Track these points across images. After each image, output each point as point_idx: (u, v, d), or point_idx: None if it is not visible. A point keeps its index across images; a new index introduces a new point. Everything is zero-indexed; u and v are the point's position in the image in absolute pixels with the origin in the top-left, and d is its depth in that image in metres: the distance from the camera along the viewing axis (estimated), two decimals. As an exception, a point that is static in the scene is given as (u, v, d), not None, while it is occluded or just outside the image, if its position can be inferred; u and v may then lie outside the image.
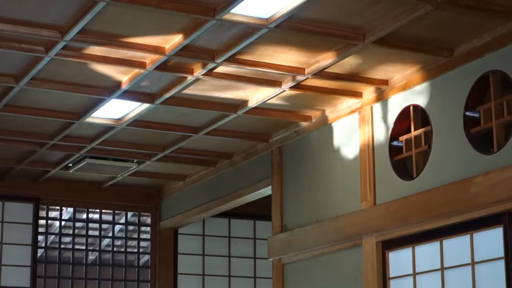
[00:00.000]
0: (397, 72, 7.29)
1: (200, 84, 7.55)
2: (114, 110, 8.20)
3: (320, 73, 7.18)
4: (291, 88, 7.52)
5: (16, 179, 10.68)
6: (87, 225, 11.42)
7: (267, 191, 9.32)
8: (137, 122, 8.49)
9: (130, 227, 11.73)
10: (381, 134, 7.60)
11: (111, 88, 7.60)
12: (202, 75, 7.19)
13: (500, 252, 6.34)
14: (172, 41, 6.57)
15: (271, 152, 9.14)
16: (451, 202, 6.68)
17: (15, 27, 6.25)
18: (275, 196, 9.00)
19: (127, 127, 8.57)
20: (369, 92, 7.70)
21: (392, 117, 7.48)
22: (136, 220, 11.69)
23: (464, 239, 6.67)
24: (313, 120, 8.41)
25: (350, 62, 7.05)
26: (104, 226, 11.59)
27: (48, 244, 11.20)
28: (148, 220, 11.66)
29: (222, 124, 8.54)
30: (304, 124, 8.53)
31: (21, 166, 10.10)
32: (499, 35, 6.39)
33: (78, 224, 11.50)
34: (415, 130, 7.28)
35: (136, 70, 7.15)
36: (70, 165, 10.04)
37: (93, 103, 7.96)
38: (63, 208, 11.32)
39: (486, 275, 6.47)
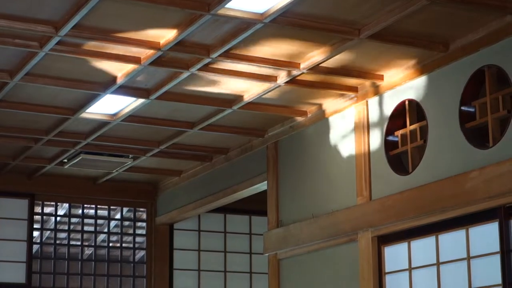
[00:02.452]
0: (392, 67, 7.28)
1: (195, 79, 7.54)
2: (109, 106, 8.18)
3: (316, 68, 7.18)
4: (287, 83, 7.51)
5: (11, 174, 10.67)
6: (82, 220, 11.41)
7: (262, 186, 9.32)
8: (132, 117, 8.48)
9: (126, 223, 11.74)
10: (376, 129, 7.59)
11: (106, 84, 7.59)
12: (197, 70, 7.18)
13: (496, 247, 6.34)
14: (167, 36, 6.56)
15: (266, 147, 9.13)
16: (446, 197, 6.68)
17: (10, 23, 6.24)
18: (271, 192, 9.00)
19: (122, 122, 8.56)
20: (364, 86, 7.69)
21: (388, 112, 7.48)
22: (132, 216, 11.68)
23: (460, 234, 6.67)
24: (309, 115, 8.41)
25: (345, 57, 7.04)
26: (99, 221, 11.59)
27: (43, 240, 11.20)
28: (144, 216, 11.66)
29: (217, 120, 8.53)
30: (299, 119, 8.52)
31: (16, 162, 10.09)
32: (494, 29, 6.39)
33: (73, 220, 11.50)
34: (410, 125, 7.28)
35: (131, 66, 7.14)
36: (65, 160, 10.02)
37: (88, 98, 7.95)
38: (58, 203, 11.31)
39: (482, 269, 6.47)
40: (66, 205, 11.45)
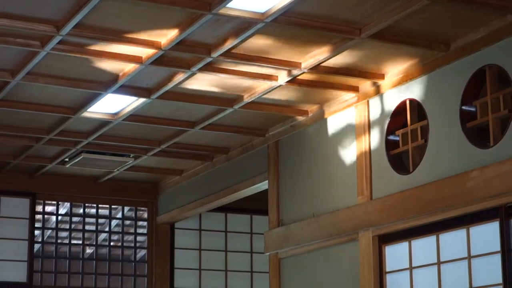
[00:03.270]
0: (393, 66, 7.29)
1: (196, 79, 7.54)
2: (110, 105, 8.19)
3: (317, 68, 7.18)
4: (288, 82, 7.52)
5: (12, 174, 10.68)
6: (83, 219, 11.41)
7: (263, 185, 9.33)
8: (134, 116, 8.48)
9: (127, 222, 11.73)
10: (377, 128, 7.60)
11: (107, 83, 7.60)
12: (198, 69, 7.18)
13: (497, 246, 6.34)
14: (168, 36, 6.56)
15: (267, 146, 9.13)
16: (447, 196, 6.68)
17: (11, 22, 6.25)
18: (272, 191, 9.00)
19: (124, 121, 8.57)
20: (365, 86, 7.69)
21: (389, 111, 7.48)
22: (133, 215, 11.69)
23: (461, 233, 6.67)
24: (310, 114, 8.41)
25: (346, 56, 7.05)
26: (100, 220, 11.59)
27: (44, 239, 11.20)
28: (145, 215, 11.66)
29: (218, 119, 8.54)
30: (300, 118, 8.53)
31: (17, 161, 10.10)
32: (495, 29, 6.39)
33: (74, 219, 11.50)
34: (411, 124, 7.28)
35: (132, 65, 7.15)
36: (67, 160, 10.03)
37: (89, 97, 7.96)
38: (59, 203, 11.32)
39: (483, 269, 6.47)
40: (67, 204, 11.45)
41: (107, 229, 11.64)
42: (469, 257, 6.58)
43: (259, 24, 6.26)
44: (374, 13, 6.23)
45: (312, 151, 8.44)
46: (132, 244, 11.65)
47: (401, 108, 7.40)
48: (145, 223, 11.67)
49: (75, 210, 11.47)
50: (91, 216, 11.49)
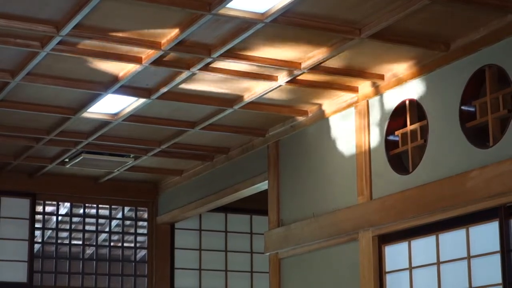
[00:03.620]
0: (393, 67, 7.29)
1: (196, 79, 7.55)
2: (110, 105, 8.19)
3: (316, 68, 7.19)
4: (288, 82, 7.52)
5: (12, 174, 10.68)
6: (83, 220, 11.41)
7: (263, 185, 9.33)
8: (133, 117, 8.49)
9: (127, 222, 11.73)
10: (377, 128, 7.60)
11: (107, 83, 7.60)
12: (198, 70, 7.19)
13: (496, 246, 6.35)
14: (168, 36, 6.57)
15: (267, 146, 9.14)
16: (447, 196, 6.68)
17: (11, 22, 6.25)
18: (272, 191, 9.01)
19: (124, 122, 8.57)
20: (365, 86, 7.70)
21: (388, 111, 7.49)
22: (133, 215, 11.69)
23: (460, 233, 6.67)
24: (310, 114, 8.41)
25: (346, 57, 7.05)
26: (101, 221, 11.59)
27: (45, 239, 11.20)
28: (145, 215, 11.66)
29: (218, 119, 8.54)
30: (300, 118, 8.53)
31: (18, 161, 10.10)
32: (495, 29, 6.40)
33: (74, 219, 11.50)
34: (411, 124, 7.29)
35: (132, 65, 7.15)
36: (67, 160, 10.03)
37: (89, 98, 7.96)
38: (59, 203, 11.32)
39: (482, 269, 6.48)
40: (67, 205, 11.46)
41: (107, 229, 11.64)
42: (469, 257, 6.58)
43: (259, 24, 6.26)
44: (374, 13, 6.23)
45: (312, 151, 8.44)
46: (132, 244, 11.65)
47: (400, 108, 7.40)
48: (145, 223, 11.67)
49: (75, 210, 11.47)
50: (91, 216, 11.49)
